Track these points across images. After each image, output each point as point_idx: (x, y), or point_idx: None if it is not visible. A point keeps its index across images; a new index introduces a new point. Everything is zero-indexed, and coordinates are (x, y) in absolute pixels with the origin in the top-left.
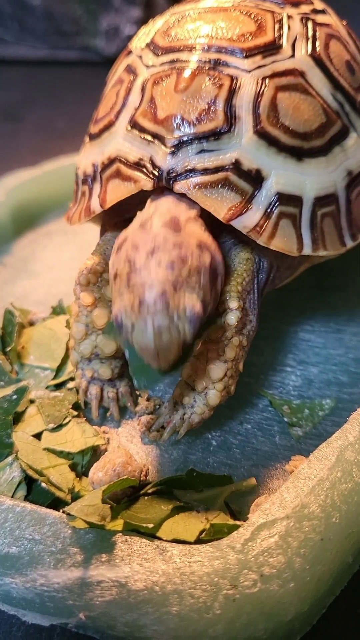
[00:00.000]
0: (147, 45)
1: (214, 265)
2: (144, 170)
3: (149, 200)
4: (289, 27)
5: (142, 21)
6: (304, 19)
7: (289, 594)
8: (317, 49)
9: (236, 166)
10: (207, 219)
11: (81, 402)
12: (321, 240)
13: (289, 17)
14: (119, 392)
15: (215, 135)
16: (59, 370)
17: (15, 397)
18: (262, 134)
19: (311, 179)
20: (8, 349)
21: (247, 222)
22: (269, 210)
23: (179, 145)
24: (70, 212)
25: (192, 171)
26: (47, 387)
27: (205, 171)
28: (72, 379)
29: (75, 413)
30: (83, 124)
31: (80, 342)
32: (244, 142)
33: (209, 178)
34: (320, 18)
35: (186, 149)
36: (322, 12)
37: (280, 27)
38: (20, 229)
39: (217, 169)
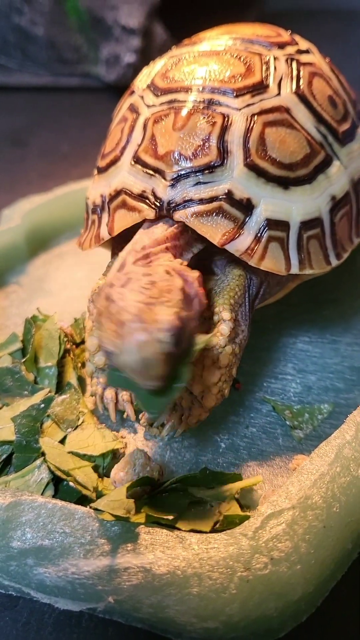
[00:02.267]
0: (148, 87)
1: (186, 289)
2: (147, 201)
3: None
4: (275, 68)
5: (142, 50)
6: (289, 60)
7: (296, 575)
8: (301, 87)
9: (229, 196)
10: (202, 242)
11: (99, 407)
12: (307, 260)
13: (275, 58)
14: (131, 395)
15: (209, 168)
16: (59, 364)
17: (42, 405)
18: (251, 167)
19: (297, 205)
20: (26, 357)
21: (239, 246)
22: (259, 235)
23: (178, 179)
24: (81, 239)
25: (190, 201)
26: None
27: (201, 201)
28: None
29: (86, 410)
30: (87, 147)
31: (94, 354)
32: (235, 174)
33: (205, 207)
34: (304, 58)
35: (184, 181)
36: (307, 52)
37: (267, 68)
38: (35, 250)
39: (211, 199)
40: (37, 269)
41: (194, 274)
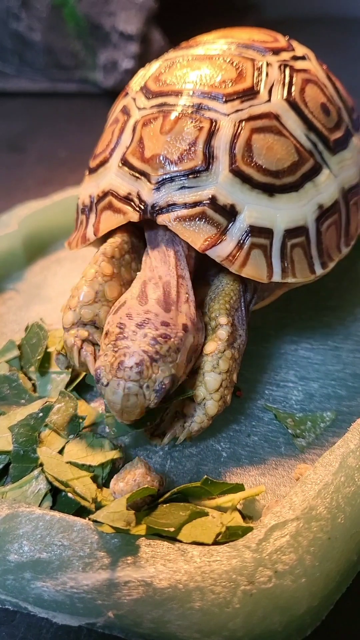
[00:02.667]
0: (141, 89)
1: (194, 345)
2: (132, 203)
3: (144, 255)
4: (267, 74)
5: (139, 56)
6: (282, 66)
7: (301, 588)
8: (293, 94)
9: (212, 201)
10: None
11: (75, 361)
12: (291, 268)
13: (268, 64)
14: (95, 351)
15: (194, 173)
16: (72, 368)
17: (41, 414)
18: (236, 172)
19: (282, 213)
20: (29, 365)
21: (220, 252)
22: (241, 241)
23: (162, 182)
24: (70, 238)
25: (173, 205)
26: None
27: (185, 205)
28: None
29: (85, 417)
30: (84, 153)
31: (84, 304)
32: (220, 179)
33: (188, 212)
34: (299, 64)
35: (169, 185)
36: (302, 58)
37: (259, 74)
38: (32, 256)
39: (195, 204)
40: (35, 275)
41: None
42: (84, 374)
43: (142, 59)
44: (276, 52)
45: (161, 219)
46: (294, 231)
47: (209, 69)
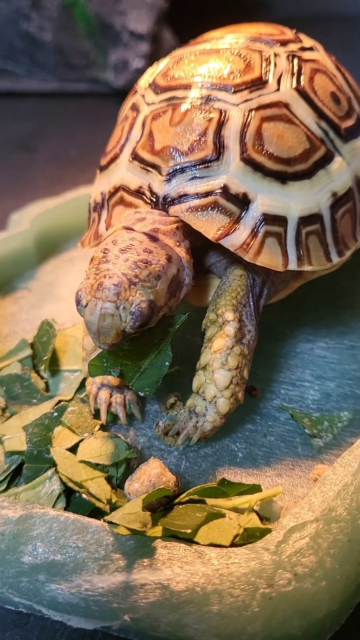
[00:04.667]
0: (150, 85)
1: (178, 278)
2: (144, 197)
3: (140, 209)
4: (275, 64)
5: (150, 55)
6: (290, 56)
7: (321, 592)
8: (302, 83)
9: (225, 190)
10: (200, 239)
11: (91, 407)
12: (306, 256)
13: (276, 55)
14: (126, 398)
15: (205, 163)
16: None
17: (55, 414)
18: (248, 161)
19: (295, 200)
20: (41, 364)
21: (234, 241)
22: (255, 230)
23: (173, 173)
24: (83, 237)
25: (185, 196)
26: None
27: (197, 196)
28: None
29: (99, 423)
30: (94, 153)
31: (91, 352)
32: (231, 168)
33: (200, 202)
34: (307, 55)
35: (180, 176)
36: (310, 49)
37: (268, 65)
38: (44, 255)
39: (207, 194)
40: (47, 274)
41: (190, 260)
42: None
43: (153, 58)
44: (284, 43)
45: (173, 210)
46: (309, 219)
47: (216, 62)
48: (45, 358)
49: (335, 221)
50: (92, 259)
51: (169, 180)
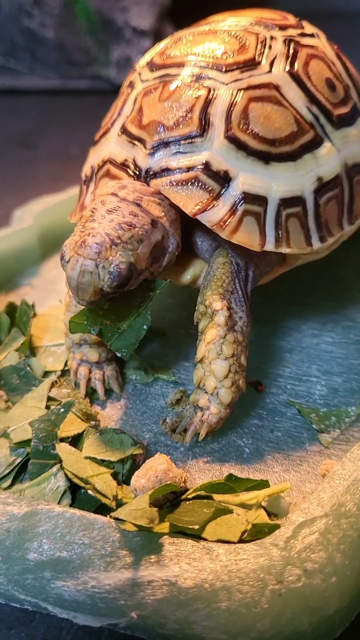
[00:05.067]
0: (147, 64)
1: (163, 243)
2: (128, 169)
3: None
4: (270, 47)
5: None
6: (287, 41)
7: (331, 588)
8: (296, 67)
9: (206, 167)
10: (185, 218)
11: (72, 382)
12: (285, 238)
13: (273, 38)
14: (105, 374)
15: (189, 139)
16: None
17: (62, 410)
18: (232, 139)
19: (278, 182)
20: (24, 339)
21: (212, 217)
22: (234, 208)
23: (157, 147)
24: (73, 210)
25: (167, 170)
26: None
27: (179, 170)
28: None
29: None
30: None
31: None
32: (215, 145)
33: (181, 176)
34: (306, 40)
35: (163, 150)
36: (311, 35)
37: (263, 47)
38: (47, 252)
39: (188, 169)
40: (50, 270)
41: (176, 230)
42: None
43: None
44: (283, 28)
45: (154, 183)
46: (290, 201)
47: (212, 43)
48: (25, 339)
49: (319, 206)
50: (81, 217)
51: (152, 154)
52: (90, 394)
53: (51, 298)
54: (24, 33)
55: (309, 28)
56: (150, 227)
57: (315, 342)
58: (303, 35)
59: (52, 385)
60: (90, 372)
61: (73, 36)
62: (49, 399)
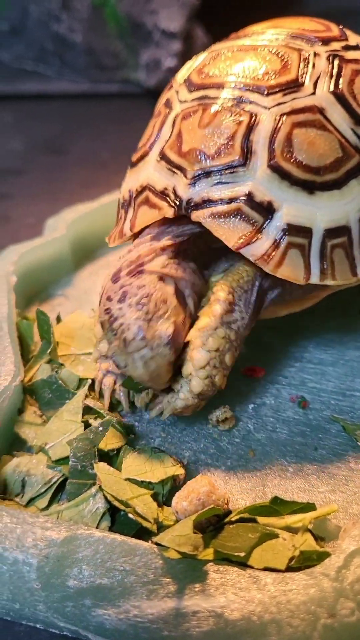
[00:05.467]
0: (185, 82)
1: (178, 288)
2: (168, 199)
3: (136, 242)
4: (313, 65)
5: (183, 54)
6: (331, 57)
7: None
8: (340, 86)
9: (249, 198)
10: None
11: (97, 392)
12: (330, 270)
13: (316, 54)
14: None
15: (231, 168)
16: None
17: (101, 429)
18: (275, 168)
19: (322, 212)
20: (49, 350)
21: (255, 251)
22: (277, 240)
23: (198, 177)
24: (111, 233)
25: (209, 201)
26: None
27: (220, 202)
28: None
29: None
30: (126, 155)
31: (100, 340)
32: (257, 175)
33: (223, 208)
34: (350, 54)
35: (204, 180)
36: (355, 47)
37: (305, 65)
38: (80, 261)
39: (231, 200)
40: (84, 280)
41: (185, 271)
42: None
43: (185, 57)
44: (326, 41)
45: (195, 215)
46: (335, 231)
47: (253, 61)
48: (50, 348)
49: None
50: (101, 325)
51: (193, 184)
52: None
53: (85, 308)
54: (53, 38)
55: (353, 38)
56: (162, 284)
57: (358, 354)
58: (347, 48)
59: (86, 396)
60: (115, 384)
61: (102, 40)
62: (85, 411)
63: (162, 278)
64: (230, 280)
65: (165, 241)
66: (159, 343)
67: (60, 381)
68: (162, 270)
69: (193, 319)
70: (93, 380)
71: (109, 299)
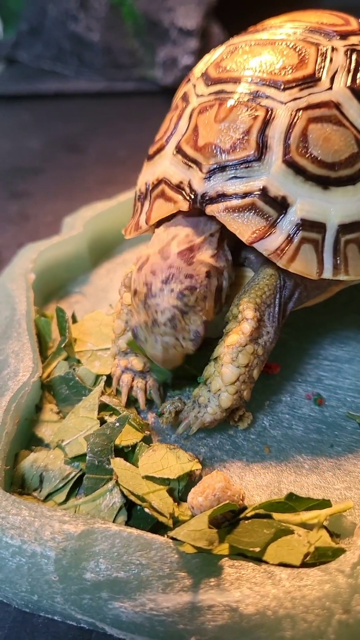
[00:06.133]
0: (202, 75)
1: (220, 286)
2: (183, 192)
3: (172, 221)
4: (331, 60)
5: (199, 51)
6: (349, 51)
7: None
8: (357, 81)
9: (263, 193)
10: (233, 236)
11: (113, 388)
12: (343, 265)
13: (334, 49)
14: (147, 384)
15: (246, 163)
16: None
17: (117, 425)
18: (290, 164)
19: (336, 207)
20: (65, 342)
21: (269, 245)
22: (291, 235)
23: (214, 171)
24: (127, 225)
25: (223, 196)
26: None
27: (235, 196)
28: None
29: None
30: (143, 153)
31: (119, 336)
32: (272, 170)
33: (238, 203)
34: None
35: (219, 175)
36: None
37: (323, 60)
38: (98, 259)
39: (245, 195)
40: (101, 278)
41: (227, 261)
42: None
43: (202, 55)
44: (344, 35)
45: (210, 209)
46: (349, 226)
47: (270, 55)
48: (65, 343)
49: None
50: (135, 292)
51: (208, 178)
52: (134, 401)
53: (102, 306)
54: (70, 37)
55: None
56: (207, 280)
57: None
58: None
59: (102, 393)
60: (133, 380)
61: (119, 39)
62: (101, 408)
63: (209, 273)
64: (254, 297)
65: (215, 226)
66: (184, 337)
67: (77, 378)
68: (210, 261)
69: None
70: (109, 376)
71: (153, 272)
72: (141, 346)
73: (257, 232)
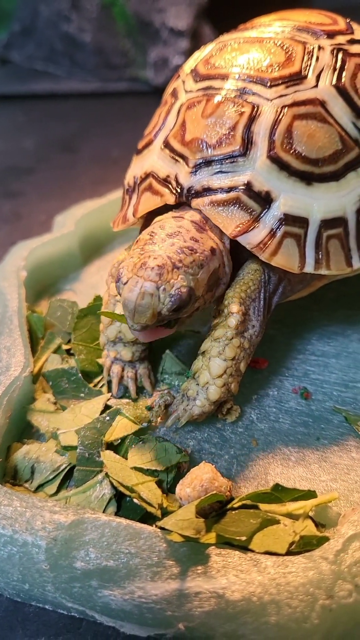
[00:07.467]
0: (191, 72)
1: (219, 272)
2: (170, 186)
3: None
4: (317, 58)
5: (190, 52)
6: (335, 50)
7: None
8: (343, 80)
9: (248, 187)
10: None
11: (104, 379)
12: (325, 260)
13: (320, 48)
14: (137, 373)
15: (231, 158)
16: None
17: (108, 418)
18: (274, 159)
19: (319, 203)
20: (57, 343)
21: (252, 239)
22: (274, 229)
23: (199, 166)
24: (115, 219)
25: (208, 190)
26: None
27: (220, 190)
28: None
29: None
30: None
31: (107, 326)
32: (257, 165)
33: (222, 197)
34: (355, 48)
35: (205, 169)
36: None
37: (309, 58)
38: (88, 256)
39: (230, 189)
40: (92, 275)
41: (229, 259)
42: None
43: None
44: (331, 35)
45: (195, 203)
46: (331, 222)
47: (258, 53)
48: (67, 330)
49: None
50: (137, 240)
51: (194, 173)
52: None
53: None
54: (62, 38)
55: (359, 32)
56: (210, 254)
57: None
58: (352, 42)
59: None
60: (123, 370)
61: (111, 39)
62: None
63: (214, 251)
64: (239, 292)
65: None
66: (166, 289)
67: (79, 374)
68: (218, 244)
69: (202, 308)
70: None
71: (161, 226)
72: (117, 289)
73: (240, 225)
